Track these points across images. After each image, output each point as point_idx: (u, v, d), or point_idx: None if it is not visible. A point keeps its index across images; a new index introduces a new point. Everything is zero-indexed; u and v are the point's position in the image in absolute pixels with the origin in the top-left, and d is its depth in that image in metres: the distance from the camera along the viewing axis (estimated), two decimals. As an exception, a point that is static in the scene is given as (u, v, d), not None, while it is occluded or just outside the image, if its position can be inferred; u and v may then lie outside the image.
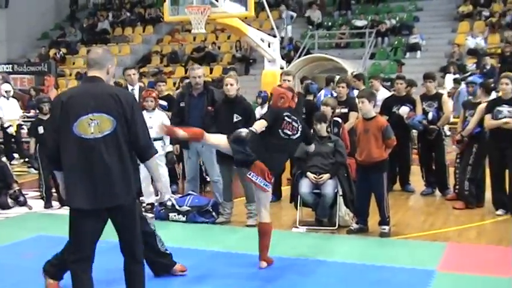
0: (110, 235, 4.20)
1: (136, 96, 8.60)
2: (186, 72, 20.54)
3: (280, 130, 5.63)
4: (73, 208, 4.04)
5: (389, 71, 18.33)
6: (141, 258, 4.30)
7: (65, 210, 8.35)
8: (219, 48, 22.15)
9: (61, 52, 22.66)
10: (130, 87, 8.72)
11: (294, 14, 22.16)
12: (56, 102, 4.07)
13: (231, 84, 7.41)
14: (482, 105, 7.73)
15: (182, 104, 7.94)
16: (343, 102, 8.70)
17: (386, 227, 6.78)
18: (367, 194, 6.81)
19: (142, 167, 8.24)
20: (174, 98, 9.13)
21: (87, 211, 3.98)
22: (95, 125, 3.92)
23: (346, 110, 8.65)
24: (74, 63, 22.88)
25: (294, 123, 5.68)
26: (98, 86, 4.07)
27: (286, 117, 5.66)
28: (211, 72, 20.28)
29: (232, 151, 5.55)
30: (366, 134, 6.68)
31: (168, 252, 5.38)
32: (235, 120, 7.18)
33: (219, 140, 5.69)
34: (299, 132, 5.70)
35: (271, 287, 5.19)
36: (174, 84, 20.09)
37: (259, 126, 5.59)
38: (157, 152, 4.67)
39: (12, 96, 12.73)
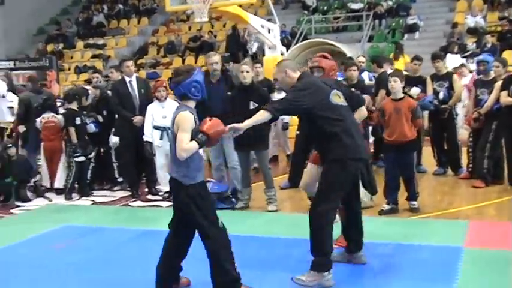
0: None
1: (135, 88, 8.62)
2: (183, 63, 20.59)
3: None
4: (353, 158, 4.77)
5: (388, 53, 18.35)
6: None
7: (84, 201, 8.55)
8: (215, 37, 22.11)
9: (59, 47, 22.61)
10: (128, 79, 8.65)
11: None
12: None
13: (247, 72, 7.50)
14: (499, 83, 7.83)
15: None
16: (354, 86, 8.75)
17: (416, 202, 6.95)
18: (397, 174, 6.92)
19: (158, 155, 8.40)
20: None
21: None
22: (341, 97, 4.96)
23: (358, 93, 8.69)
24: (71, 58, 22.83)
25: None
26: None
27: None
28: (209, 61, 20.22)
29: None
30: (398, 113, 6.80)
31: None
32: (251, 107, 7.24)
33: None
34: None
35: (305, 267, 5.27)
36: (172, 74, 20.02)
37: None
38: None
39: (14, 93, 12.65)
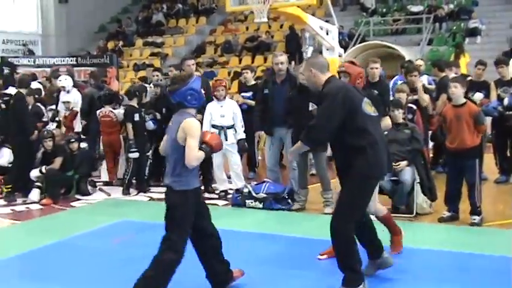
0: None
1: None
2: (240, 62, 20.70)
3: None
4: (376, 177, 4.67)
5: (448, 57, 18.01)
6: None
7: (142, 197, 8.68)
8: (272, 37, 22.13)
9: (119, 44, 23.04)
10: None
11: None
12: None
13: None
14: None
15: (266, 91, 8.02)
16: (415, 90, 8.63)
17: (477, 217, 6.67)
18: (459, 181, 6.74)
19: (215, 155, 8.47)
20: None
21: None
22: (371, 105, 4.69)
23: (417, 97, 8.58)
24: (131, 55, 23.22)
25: None
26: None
27: None
28: (265, 62, 20.30)
29: None
30: (458, 120, 6.59)
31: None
32: (310, 108, 7.21)
33: None
34: None
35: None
36: (229, 73, 20.28)
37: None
38: None
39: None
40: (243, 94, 8.52)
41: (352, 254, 4.53)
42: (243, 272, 4.90)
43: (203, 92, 8.48)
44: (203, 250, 4.67)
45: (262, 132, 8.32)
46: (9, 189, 8.80)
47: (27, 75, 10.76)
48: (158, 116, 9.31)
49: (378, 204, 5.48)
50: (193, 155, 4.28)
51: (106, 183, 9.56)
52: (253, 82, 9.80)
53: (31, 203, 8.54)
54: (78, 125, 10.48)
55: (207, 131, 4.61)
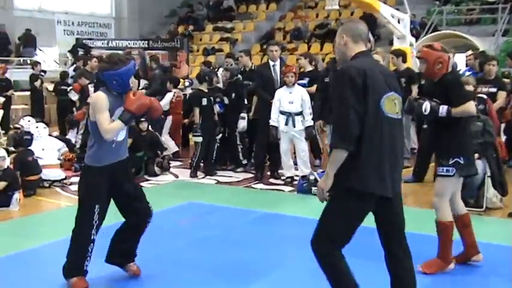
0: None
1: (278, 72, 8.77)
2: (308, 49, 20.59)
3: None
4: (362, 192, 3.48)
5: (524, 48, 17.44)
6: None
7: (209, 180, 8.83)
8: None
9: (189, 29, 23.33)
10: (271, 63, 8.90)
11: None
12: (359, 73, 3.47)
13: (377, 61, 7.37)
14: None
15: (327, 80, 7.99)
16: (491, 81, 8.40)
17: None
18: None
19: (282, 140, 8.43)
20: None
21: (375, 197, 3.52)
22: (397, 104, 3.61)
23: (494, 90, 8.35)
24: (200, 40, 23.45)
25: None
26: (377, 62, 3.95)
27: None
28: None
29: None
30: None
31: None
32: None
33: None
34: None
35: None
36: (297, 60, 20.16)
37: None
38: None
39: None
40: (298, 82, 8.50)
41: (343, 277, 3.62)
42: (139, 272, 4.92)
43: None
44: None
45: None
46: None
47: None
48: (226, 100, 9.41)
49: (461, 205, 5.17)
50: (103, 129, 4.35)
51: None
52: (310, 68, 9.72)
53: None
54: None
55: (128, 95, 4.43)
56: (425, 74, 5.06)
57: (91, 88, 10.59)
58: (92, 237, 4.54)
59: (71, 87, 12.06)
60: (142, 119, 9.37)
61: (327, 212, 3.59)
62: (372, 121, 3.44)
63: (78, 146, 10.13)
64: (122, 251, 4.84)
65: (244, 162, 9.57)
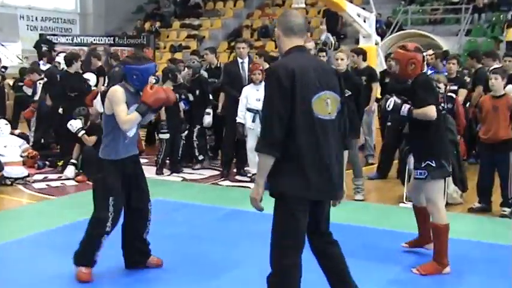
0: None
1: (246, 69, 8.81)
2: (276, 47, 20.60)
3: None
4: (295, 197, 3.41)
5: (486, 48, 17.75)
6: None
7: (175, 177, 8.80)
8: (309, 23, 22.01)
9: (156, 25, 23.20)
10: (240, 60, 8.94)
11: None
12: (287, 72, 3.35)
13: (342, 59, 7.43)
14: None
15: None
16: (452, 80, 8.57)
17: (507, 209, 6.67)
18: (491, 174, 6.76)
19: (249, 137, 8.48)
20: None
21: (307, 202, 3.46)
22: (330, 104, 3.44)
23: (455, 88, 8.52)
24: (167, 37, 23.36)
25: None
26: (314, 58, 3.97)
27: None
28: (301, 47, 20.20)
29: None
30: (495, 111, 6.59)
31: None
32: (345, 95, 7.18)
33: None
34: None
35: (394, 260, 5.27)
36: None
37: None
38: None
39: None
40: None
41: None
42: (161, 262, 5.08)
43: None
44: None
45: None
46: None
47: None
48: (191, 97, 9.40)
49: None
50: (121, 120, 4.49)
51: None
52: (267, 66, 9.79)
53: (66, 179, 8.73)
54: (99, 105, 10.61)
55: (146, 88, 4.54)
56: (399, 74, 5.08)
57: (39, 85, 10.59)
58: (107, 229, 4.65)
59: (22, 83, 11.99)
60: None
61: (273, 225, 3.53)
62: (303, 122, 3.34)
63: (31, 143, 10.00)
64: (137, 249, 4.98)
65: (200, 158, 9.58)
